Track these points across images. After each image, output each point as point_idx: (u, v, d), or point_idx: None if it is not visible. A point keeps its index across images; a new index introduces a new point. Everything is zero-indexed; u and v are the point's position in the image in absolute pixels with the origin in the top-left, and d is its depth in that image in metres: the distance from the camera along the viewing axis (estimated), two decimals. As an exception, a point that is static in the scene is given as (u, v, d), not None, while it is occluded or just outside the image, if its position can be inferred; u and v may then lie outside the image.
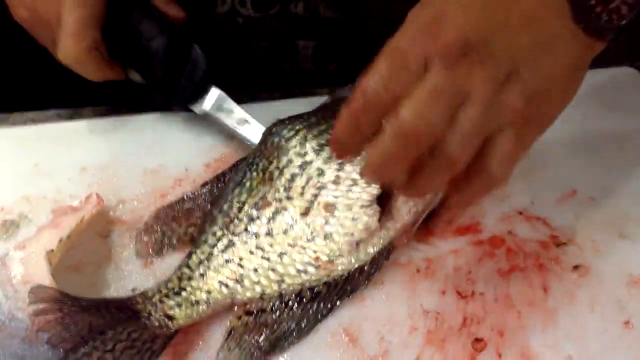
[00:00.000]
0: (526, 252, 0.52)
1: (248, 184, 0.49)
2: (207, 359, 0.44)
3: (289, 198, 0.47)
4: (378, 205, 0.47)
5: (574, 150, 0.61)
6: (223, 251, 0.47)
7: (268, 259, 0.46)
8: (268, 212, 0.47)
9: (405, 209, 0.48)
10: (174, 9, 0.56)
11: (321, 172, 0.47)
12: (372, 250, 0.48)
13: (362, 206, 0.47)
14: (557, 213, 0.55)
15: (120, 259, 0.50)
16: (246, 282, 0.46)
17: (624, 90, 0.69)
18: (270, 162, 0.49)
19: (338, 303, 0.47)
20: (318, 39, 0.72)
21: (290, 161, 0.48)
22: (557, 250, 0.52)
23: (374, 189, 0.47)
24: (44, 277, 0.44)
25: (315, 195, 0.47)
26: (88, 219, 0.49)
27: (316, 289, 0.47)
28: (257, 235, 0.47)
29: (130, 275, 0.49)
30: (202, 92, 0.58)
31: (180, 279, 0.46)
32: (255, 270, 0.46)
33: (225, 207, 0.49)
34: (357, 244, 0.47)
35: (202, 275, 0.46)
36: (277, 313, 0.46)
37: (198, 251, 0.47)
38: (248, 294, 0.46)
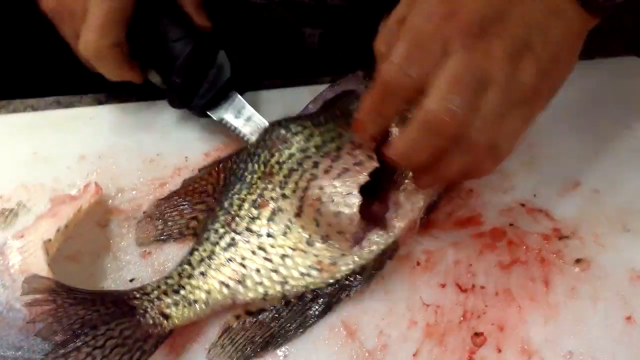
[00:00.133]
0: (528, 245, 0.51)
1: (249, 178, 0.49)
2: (204, 353, 0.44)
3: (284, 196, 0.47)
4: (372, 199, 0.47)
5: (578, 142, 0.60)
6: (225, 249, 0.46)
7: (270, 260, 0.46)
8: (266, 212, 0.47)
9: (409, 205, 0.48)
10: (202, 18, 0.56)
11: (315, 165, 0.47)
12: (375, 248, 0.47)
13: (343, 195, 0.46)
14: (559, 205, 0.54)
15: (119, 248, 0.50)
16: (248, 283, 0.45)
17: (629, 81, 0.68)
18: (272, 155, 0.48)
19: (338, 303, 0.46)
20: (324, 27, 0.71)
21: (291, 156, 0.48)
22: (559, 244, 0.51)
23: (363, 177, 0.46)
24: (41, 267, 0.43)
25: (305, 189, 0.46)
26: (86, 208, 0.49)
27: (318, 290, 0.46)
28: (258, 235, 0.47)
29: (129, 265, 0.49)
30: (223, 99, 0.57)
31: (180, 275, 0.45)
32: (258, 271, 0.46)
33: (226, 204, 0.48)
34: (359, 242, 0.47)
35: (202, 273, 0.46)
36: (277, 313, 0.45)
37: (200, 248, 0.47)
38: (250, 295, 0.45)
